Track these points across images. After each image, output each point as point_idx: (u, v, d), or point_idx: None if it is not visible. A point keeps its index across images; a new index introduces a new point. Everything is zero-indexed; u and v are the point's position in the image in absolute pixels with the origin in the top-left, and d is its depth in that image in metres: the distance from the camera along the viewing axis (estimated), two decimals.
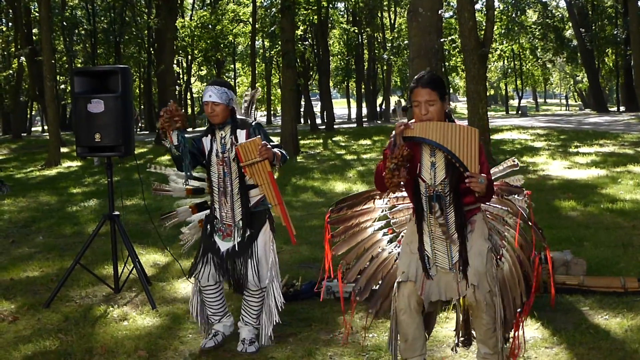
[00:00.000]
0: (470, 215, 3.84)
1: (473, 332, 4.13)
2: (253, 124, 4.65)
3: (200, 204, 5.06)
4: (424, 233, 3.89)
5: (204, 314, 4.88)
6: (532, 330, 4.76)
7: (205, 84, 52.52)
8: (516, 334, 3.99)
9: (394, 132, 3.75)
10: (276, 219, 4.71)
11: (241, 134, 4.59)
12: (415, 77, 3.83)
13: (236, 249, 4.61)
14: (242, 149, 4.42)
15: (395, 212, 4.35)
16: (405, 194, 4.18)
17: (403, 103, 46.82)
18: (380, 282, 4.29)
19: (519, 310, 3.95)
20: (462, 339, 4.23)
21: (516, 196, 4.08)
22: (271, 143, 4.53)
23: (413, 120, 3.78)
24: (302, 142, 25.18)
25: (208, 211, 4.83)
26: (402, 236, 4.18)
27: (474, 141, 3.66)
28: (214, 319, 4.85)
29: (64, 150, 24.00)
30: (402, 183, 3.75)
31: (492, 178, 4.00)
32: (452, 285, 3.82)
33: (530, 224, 3.92)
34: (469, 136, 3.66)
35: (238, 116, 4.69)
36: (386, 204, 4.35)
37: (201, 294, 4.83)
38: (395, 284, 3.93)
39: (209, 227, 4.71)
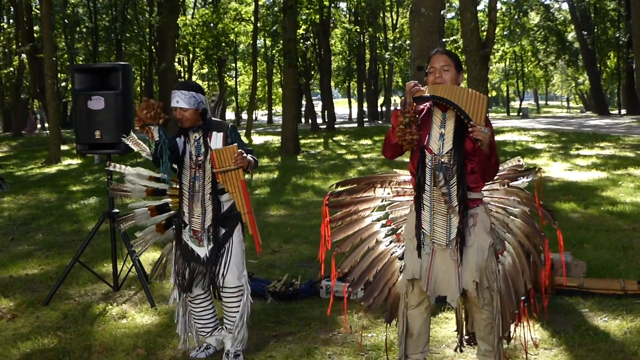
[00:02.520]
0: (473, 205, 3.82)
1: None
2: (229, 126, 4.51)
3: (159, 206, 4.82)
4: (424, 208, 3.85)
5: (191, 327, 4.67)
6: (532, 331, 4.74)
7: (206, 82, 52.53)
8: (521, 324, 4.00)
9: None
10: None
11: (217, 137, 4.45)
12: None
13: (213, 251, 4.43)
14: (216, 155, 4.29)
15: (395, 206, 4.33)
16: (407, 185, 4.19)
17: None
18: (374, 276, 4.27)
19: (522, 298, 3.94)
20: (466, 337, 4.21)
21: (524, 179, 4.08)
22: (244, 147, 4.42)
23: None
24: (302, 141, 25.19)
25: (167, 214, 4.70)
26: (401, 230, 4.17)
27: (483, 104, 3.68)
28: (204, 332, 4.65)
29: (64, 148, 24.00)
30: (414, 139, 3.71)
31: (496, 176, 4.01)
32: (452, 283, 3.80)
33: (539, 207, 3.91)
34: (477, 98, 3.69)
35: (213, 118, 4.58)
36: (387, 194, 4.33)
37: (189, 306, 4.62)
38: (407, 281, 3.91)
39: (182, 236, 4.52)
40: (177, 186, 4.61)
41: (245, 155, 4.31)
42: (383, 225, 4.34)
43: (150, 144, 4.39)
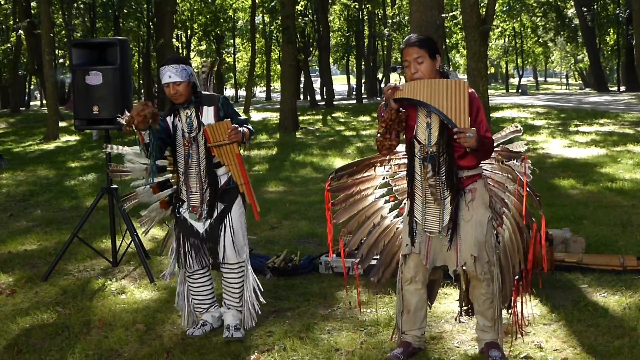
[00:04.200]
0: (470, 182, 3.81)
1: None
2: (220, 99, 4.43)
3: (161, 182, 4.71)
4: (416, 197, 3.86)
5: (190, 304, 4.63)
6: (530, 306, 4.75)
7: (204, 59, 52.22)
8: (515, 306, 3.99)
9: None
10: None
11: (209, 111, 4.38)
12: (405, 38, 3.83)
13: (212, 227, 4.41)
14: (210, 130, 4.26)
15: (398, 179, 4.32)
16: (406, 160, 4.18)
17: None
18: (381, 250, 4.28)
19: (516, 277, 3.95)
20: (465, 308, 4.22)
21: (514, 161, 4.05)
22: (238, 117, 4.39)
23: (403, 82, 3.78)
24: (301, 118, 25.13)
25: (170, 190, 4.63)
26: (405, 204, 4.17)
27: (463, 95, 3.63)
28: (200, 309, 4.62)
29: (62, 124, 23.93)
30: (393, 145, 3.75)
31: (495, 143, 3.98)
32: (451, 255, 3.81)
33: (528, 190, 3.89)
34: (457, 90, 3.64)
35: (203, 92, 4.49)
36: (387, 171, 4.32)
37: (187, 283, 4.60)
38: (401, 257, 3.92)
39: (181, 211, 4.49)
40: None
41: (239, 129, 4.28)
42: (386, 201, 4.33)
43: (141, 148, 4.36)
